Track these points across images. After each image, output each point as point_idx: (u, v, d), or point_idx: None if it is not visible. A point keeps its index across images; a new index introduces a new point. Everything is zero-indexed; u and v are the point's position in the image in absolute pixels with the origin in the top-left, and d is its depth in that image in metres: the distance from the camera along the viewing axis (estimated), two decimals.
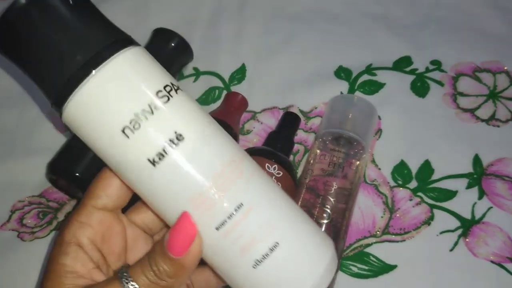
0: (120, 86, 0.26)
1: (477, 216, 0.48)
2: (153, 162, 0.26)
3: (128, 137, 0.26)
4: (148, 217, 0.33)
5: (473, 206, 0.49)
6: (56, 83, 0.26)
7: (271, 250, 0.27)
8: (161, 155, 0.26)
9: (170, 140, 0.26)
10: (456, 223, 0.48)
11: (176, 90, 0.27)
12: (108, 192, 0.31)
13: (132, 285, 0.28)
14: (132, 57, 0.27)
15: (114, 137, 0.26)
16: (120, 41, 0.27)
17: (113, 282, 0.28)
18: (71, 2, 0.27)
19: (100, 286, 0.28)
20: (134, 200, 0.32)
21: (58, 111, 0.27)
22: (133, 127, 0.26)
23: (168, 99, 0.27)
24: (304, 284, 0.28)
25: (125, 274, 0.28)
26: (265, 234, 0.27)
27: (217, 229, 0.27)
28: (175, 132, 0.26)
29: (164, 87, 0.27)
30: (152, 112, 0.26)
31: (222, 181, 0.27)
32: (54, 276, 0.29)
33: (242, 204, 0.27)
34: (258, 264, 0.27)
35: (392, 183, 0.51)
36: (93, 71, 0.26)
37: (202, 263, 0.31)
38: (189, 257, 0.27)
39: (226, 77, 0.62)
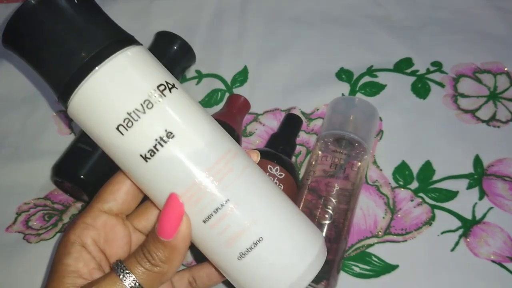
0: (118, 84, 0.27)
1: (478, 216, 0.49)
2: (145, 158, 0.28)
3: (122, 134, 0.27)
4: (149, 223, 0.34)
5: (474, 206, 0.49)
6: (61, 79, 0.28)
7: (255, 244, 0.28)
8: (152, 152, 0.27)
9: (161, 138, 0.27)
10: (457, 223, 0.49)
11: (170, 89, 0.28)
12: (114, 196, 0.32)
13: (128, 276, 0.28)
14: (131, 56, 0.28)
15: (110, 133, 0.28)
16: (122, 40, 0.29)
17: (110, 275, 0.29)
18: (78, 3, 0.28)
19: (97, 281, 0.29)
20: None
21: (64, 105, 0.29)
22: (127, 125, 0.27)
23: (161, 98, 0.28)
24: (286, 278, 0.29)
25: (120, 266, 0.29)
26: (249, 229, 0.28)
27: (204, 222, 0.28)
28: (166, 130, 0.27)
29: (158, 86, 0.28)
30: (145, 111, 0.27)
31: (211, 177, 0.28)
32: (57, 277, 0.30)
33: (228, 199, 0.28)
34: (242, 257, 0.29)
35: (394, 184, 0.52)
36: (96, 68, 0.27)
37: (204, 259, 0.32)
38: (179, 238, 0.28)
39: (228, 80, 0.62)
